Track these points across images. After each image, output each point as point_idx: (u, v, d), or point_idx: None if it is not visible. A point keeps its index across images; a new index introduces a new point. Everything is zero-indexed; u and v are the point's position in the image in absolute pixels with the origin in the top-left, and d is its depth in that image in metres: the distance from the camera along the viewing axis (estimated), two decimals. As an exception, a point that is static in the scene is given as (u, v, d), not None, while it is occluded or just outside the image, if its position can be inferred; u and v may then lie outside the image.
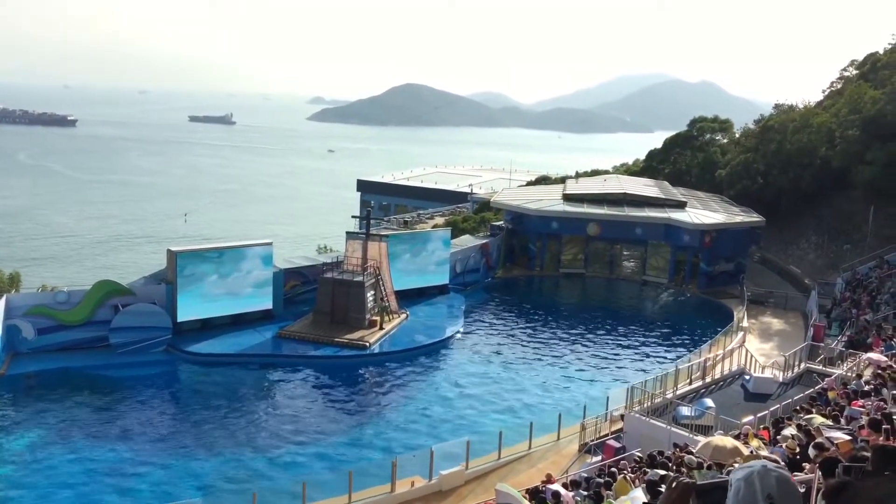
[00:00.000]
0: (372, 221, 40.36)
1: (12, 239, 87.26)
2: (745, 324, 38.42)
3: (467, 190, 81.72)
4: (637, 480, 14.72)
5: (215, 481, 22.95)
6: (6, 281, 35.71)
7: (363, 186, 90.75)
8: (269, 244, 37.41)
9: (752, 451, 14.41)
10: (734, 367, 29.65)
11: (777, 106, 64.50)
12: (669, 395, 25.36)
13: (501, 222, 52.49)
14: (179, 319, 33.65)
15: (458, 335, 37.81)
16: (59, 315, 31.62)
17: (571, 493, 15.67)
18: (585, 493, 15.90)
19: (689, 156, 66.22)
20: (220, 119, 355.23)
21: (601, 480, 16.34)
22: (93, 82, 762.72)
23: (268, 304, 36.69)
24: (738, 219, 49.40)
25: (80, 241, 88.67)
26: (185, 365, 32.34)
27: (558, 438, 25.46)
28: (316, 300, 37.38)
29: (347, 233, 40.23)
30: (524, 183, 76.27)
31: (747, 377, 27.98)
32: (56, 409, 27.16)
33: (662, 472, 14.22)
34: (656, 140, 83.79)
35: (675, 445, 18.42)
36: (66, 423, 26.25)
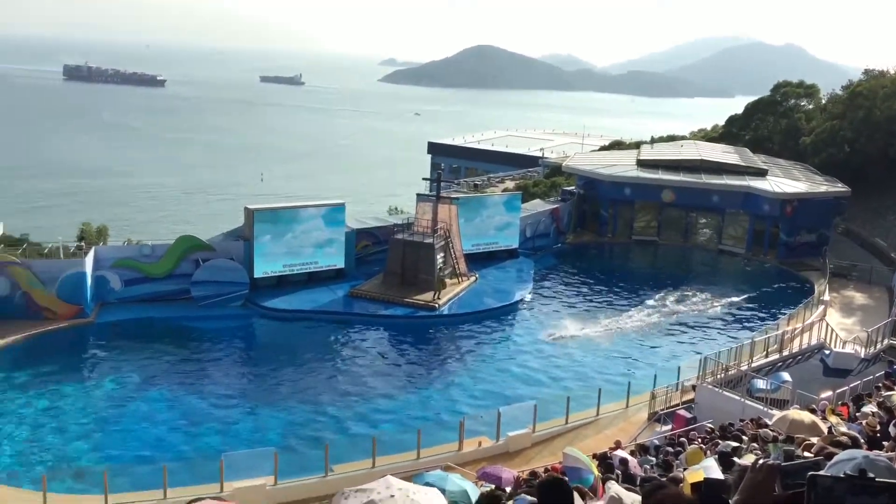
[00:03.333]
0: (442, 184, 40.44)
1: (99, 193, 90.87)
2: (826, 297, 37.19)
3: (538, 154, 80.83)
4: (708, 452, 14.58)
5: (288, 433, 23.75)
6: (94, 234, 37.27)
7: (434, 149, 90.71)
8: (342, 204, 37.98)
9: (830, 428, 14.10)
10: (813, 342, 28.88)
11: (867, 71, 61.34)
12: (744, 368, 24.92)
13: (573, 187, 51.89)
14: (256, 275, 34.64)
15: (527, 299, 37.81)
16: (144, 267, 32.95)
17: (639, 460, 15.65)
18: (654, 460, 15.85)
19: (772, 122, 63.80)
20: (289, 80, 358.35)
21: (671, 449, 16.24)
22: (170, 42, 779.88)
23: (340, 263, 37.37)
24: (822, 188, 47.62)
25: (162, 197, 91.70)
26: (260, 319, 33.38)
27: (627, 406, 25.35)
28: (387, 260, 37.89)
29: (418, 195, 40.46)
30: (597, 148, 74.97)
31: (827, 352, 27.24)
32: (140, 357, 28.48)
33: (735, 444, 14.07)
34: (737, 105, 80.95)
35: (750, 419, 18.13)
36: (150, 370, 27.50)
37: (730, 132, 66.43)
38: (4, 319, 29.10)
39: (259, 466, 19.67)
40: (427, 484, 12.72)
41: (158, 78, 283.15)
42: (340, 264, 37.40)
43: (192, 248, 33.67)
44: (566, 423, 23.95)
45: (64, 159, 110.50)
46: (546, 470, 17.33)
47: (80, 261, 30.99)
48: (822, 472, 2.89)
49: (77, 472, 20.56)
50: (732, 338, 32.54)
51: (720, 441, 15.17)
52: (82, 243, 33.79)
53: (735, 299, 39.37)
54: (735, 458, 11.02)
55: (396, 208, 55.86)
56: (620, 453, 15.56)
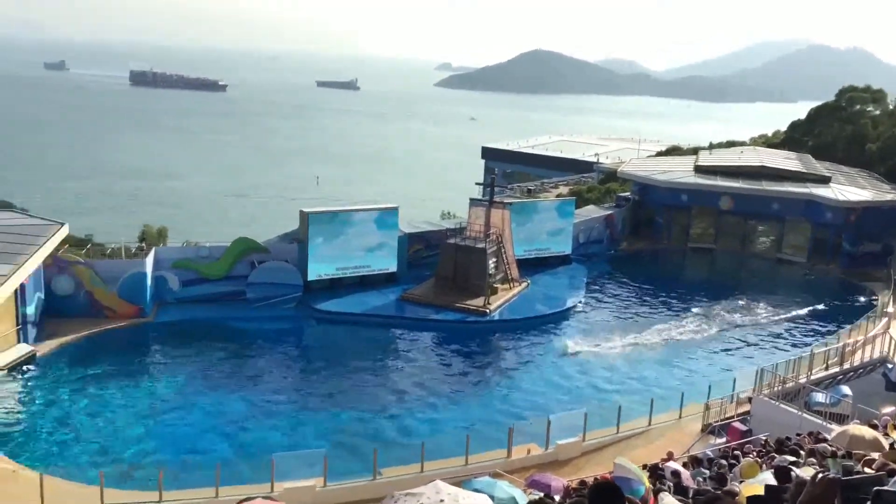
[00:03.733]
0: (495, 189, 40.36)
1: (157, 194, 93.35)
2: (890, 309, 35.87)
3: (593, 159, 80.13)
4: (764, 465, 14.20)
5: (337, 435, 23.96)
6: (155, 235, 38.24)
7: (487, 153, 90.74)
8: (395, 208, 38.22)
9: (892, 444, 13.60)
10: (875, 355, 27.87)
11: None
12: (802, 380, 24.21)
13: (628, 193, 51.27)
14: (310, 278, 35.09)
15: (579, 306, 37.45)
16: (202, 268, 33.69)
17: (692, 472, 15.32)
18: (707, 472, 15.50)
19: (836, 128, 61.93)
20: (345, 84, 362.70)
21: (724, 462, 15.86)
22: (224, 46, 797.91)
23: (392, 267, 37.60)
24: (888, 197, 46.16)
25: (219, 199, 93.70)
26: (313, 321, 33.78)
27: (680, 417, 24.88)
28: (438, 265, 37.96)
29: (471, 199, 40.44)
30: (653, 153, 73.96)
31: (890, 366, 26.22)
32: (196, 357, 29.11)
33: (792, 459, 13.67)
34: (799, 111, 78.80)
35: (809, 433, 17.58)
36: (205, 370, 28.10)
37: (792, 138, 64.80)
38: (68, 317, 30.10)
39: (309, 468, 19.89)
40: (476, 490, 12.69)
41: (220, 83, 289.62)
42: (392, 268, 37.63)
43: (248, 250, 34.32)
44: (617, 432, 23.62)
45: (126, 161, 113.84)
46: (596, 479, 17.12)
47: (140, 261, 31.87)
48: (887, 488, 2.80)
49: (133, 469, 21.08)
50: (791, 349, 31.70)
51: (776, 455, 14.76)
52: (143, 244, 34.71)
53: (794, 310, 38.36)
54: (792, 472, 10.71)
55: (449, 213, 55.98)
56: (672, 465, 15.26)
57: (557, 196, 56.52)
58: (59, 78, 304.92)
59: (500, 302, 36.02)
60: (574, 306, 37.24)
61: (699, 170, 51.01)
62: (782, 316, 37.49)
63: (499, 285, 37.09)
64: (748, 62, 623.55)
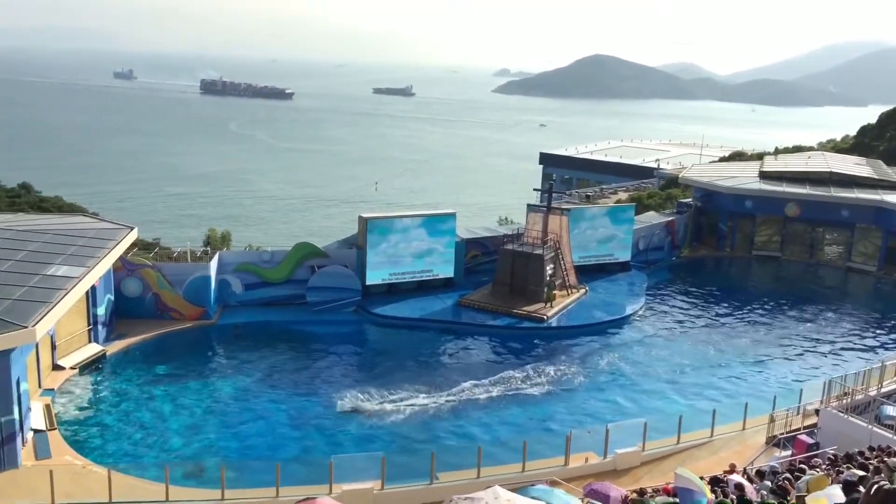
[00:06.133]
0: (553, 195, 40.10)
1: (222, 200, 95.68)
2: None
3: (654, 165, 79.00)
4: (831, 480, 13.75)
5: (395, 439, 24.07)
6: (219, 239, 39.21)
7: (545, 159, 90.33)
8: (453, 214, 38.33)
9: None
10: (952, 368, 26.69)
11: None
12: (873, 393, 23.36)
13: (689, 199, 50.34)
14: (368, 283, 35.46)
15: (639, 314, 36.90)
16: (264, 272, 34.38)
17: (756, 485, 14.92)
18: (770, 485, 15.07)
19: (910, 132, 59.82)
20: (401, 91, 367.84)
21: (790, 476, 15.39)
22: (295, 56, 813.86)
23: (449, 273, 37.69)
24: (964, 203, 44.18)
25: (280, 204, 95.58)
26: (371, 326, 34.10)
27: (743, 428, 24.26)
28: (496, 271, 37.90)
29: (528, 205, 40.28)
30: (716, 159, 72.51)
31: (967, 380, 25.11)
32: (257, 359, 29.65)
33: (861, 473, 13.19)
34: (870, 115, 76.36)
35: (879, 447, 16.97)
36: (266, 372, 28.58)
37: (862, 143, 62.85)
38: (136, 318, 31.09)
39: (367, 470, 20.07)
40: (533, 497, 12.60)
41: (287, 91, 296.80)
42: (450, 273, 37.72)
43: (309, 254, 34.87)
44: (678, 442, 23.15)
45: (194, 167, 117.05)
46: (656, 490, 16.79)
47: (205, 265, 32.66)
48: None
49: (196, 466, 21.59)
50: (861, 360, 30.62)
51: (844, 469, 14.27)
52: (208, 248, 35.58)
53: (864, 320, 37.05)
54: (861, 488, 10.36)
55: (507, 219, 55.90)
56: (735, 478, 14.89)
57: (617, 202, 55.88)
58: (128, 87, 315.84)
59: (557, 308, 35.76)
60: (633, 314, 36.70)
61: (764, 176, 49.81)
62: (852, 326, 36.27)
63: (557, 291, 36.80)
64: (817, 66, 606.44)
